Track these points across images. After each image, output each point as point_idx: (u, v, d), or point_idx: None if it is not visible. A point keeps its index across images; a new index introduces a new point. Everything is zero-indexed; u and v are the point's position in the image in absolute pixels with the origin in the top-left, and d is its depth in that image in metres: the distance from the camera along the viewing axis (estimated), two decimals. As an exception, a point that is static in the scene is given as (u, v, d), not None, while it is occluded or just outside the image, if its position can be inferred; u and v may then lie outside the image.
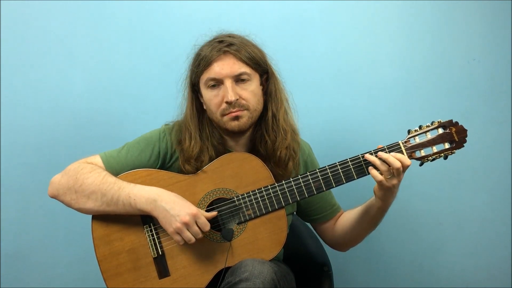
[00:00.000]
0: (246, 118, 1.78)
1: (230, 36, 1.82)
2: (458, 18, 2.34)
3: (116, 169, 1.79)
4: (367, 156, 1.72)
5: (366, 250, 2.38)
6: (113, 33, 2.36)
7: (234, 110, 1.76)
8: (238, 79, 1.77)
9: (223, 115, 1.78)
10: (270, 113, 1.83)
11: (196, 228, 1.68)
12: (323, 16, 2.36)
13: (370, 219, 1.82)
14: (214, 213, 1.74)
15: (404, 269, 2.43)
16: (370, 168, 1.71)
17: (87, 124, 2.36)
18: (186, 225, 1.67)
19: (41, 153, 2.35)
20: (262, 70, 1.83)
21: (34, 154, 2.35)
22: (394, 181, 1.69)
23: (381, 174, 1.69)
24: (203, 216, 1.69)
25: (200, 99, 1.85)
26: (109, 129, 2.36)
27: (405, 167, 1.69)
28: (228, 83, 1.76)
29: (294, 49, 2.34)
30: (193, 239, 1.68)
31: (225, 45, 1.77)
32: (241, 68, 1.77)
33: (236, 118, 1.77)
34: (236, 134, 1.83)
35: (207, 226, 1.69)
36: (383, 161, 1.69)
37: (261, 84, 1.84)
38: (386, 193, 1.72)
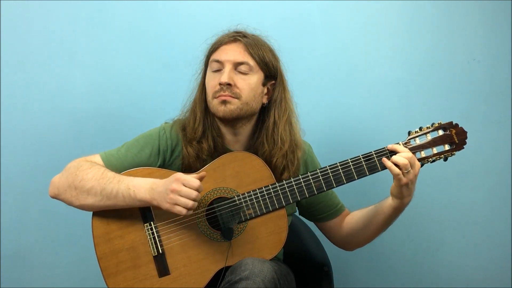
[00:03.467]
0: (234, 107, 1.78)
1: (247, 32, 1.85)
2: (458, 18, 2.34)
3: (116, 167, 1.79)
4: (384, 160, 1.71)
5: (366, 250, 2.36)
6: (113, 33, 2.36)
7: (224, 93, 1.77)
8: (238, 67, 1.78)
9: (214, 97, 1.79)
10: (271, 120, 1.84)
11: (185, 189, 1.63)
12: (323, 16, 2.36)
13: (385, 220, 1.81)
14: (203, 173, 1.69)
15: (404, 269, 2.43)
16: (384, 160, 1.71)
17: (87, 124, 2.36)
18: (175, 191, 1.64)
19: (41, 153, 2.35)
20: (269, 72, 1.83)
21: (34, 154, 2.35)
22: (411, 176, 1.69)
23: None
24: (188, 176, 1.66)
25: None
26: (109, 129, 2.36)
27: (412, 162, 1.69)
28: (228, 67, 1.77)
29: (294, 49, 2.34)
30: (190, 202, 1.63)
31: (239, 34, 1.81)
32: (244, 58, 1.78)
33: (224, 102, 1.77)
34: (228, 125, 1.83)
35: (193, 182, 1.64)
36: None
37: (264, 85, 1.84)
38: (403, 190, 1.71)
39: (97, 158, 1.81)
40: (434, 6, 2.32)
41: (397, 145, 1.74)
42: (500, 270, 2.38)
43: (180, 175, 1.66)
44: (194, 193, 1.64)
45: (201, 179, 1.67)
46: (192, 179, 1.65)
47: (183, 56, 2.23)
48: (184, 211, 1.65)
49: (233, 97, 1.77)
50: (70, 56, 2.36)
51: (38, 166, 2.34)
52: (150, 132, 1.87)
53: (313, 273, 2.03)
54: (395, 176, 1.69)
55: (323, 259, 2.04)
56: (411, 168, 1.69)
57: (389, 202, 1.77)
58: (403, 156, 1.69)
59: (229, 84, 1.76)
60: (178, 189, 1.64)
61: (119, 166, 1.79)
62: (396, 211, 1.78)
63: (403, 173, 1.68)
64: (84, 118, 2.36)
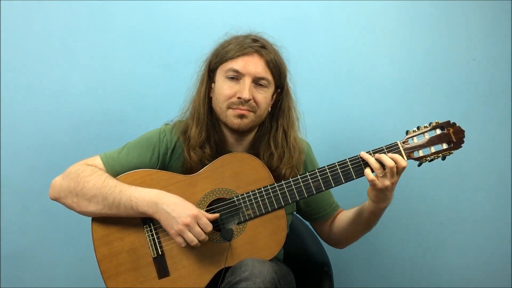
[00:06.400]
0: (249, 120, 1.79)
1: (265, 40, 1.83)
2: (458, 18, 2.34)
3: (116, 170, 1.79)
4: (362, 153, 1.73)
5: (366, 250, 2.39)
6: (113, 33, 2.36)
7: (243, 107, 1.77)
8: (258, 81, 1.78)
9: (229, 108, 1.78)
10: (281, 129, 1.85)
11: (198, 229, 1.67)
12: (323, 16, 2.36)
13: (363, 222, 1.83)
14: (216, 215, 1.73)
15: (404, 269, 2.43)
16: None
17: (87, 124, 2.36)
18: (188, 226, 1.67)
19: (41, 153, 2.35)
20: (280, 83, 1.84)
21: (34, 154, 2.35)
22: (386, 182, 1.69)
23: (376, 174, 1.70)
24: (205, 217, 1.69)
25: (212, 85, 1.85)
26: (109, 129, 2.36)
27: (400, 168, 1.69)
28: (248, 81, 1.76)
29: (294, 49, 2.31)
30: (195, 241, 1.67)
31: (258, 45, 1.79)
32: (266, 73, 1.78)
33: (241, 116, 1.77)
34: (234, 132, 1.83)
35: (209, 227, 1.69)
36: (378, 159, 1.71)
37: (272, 94, 1.84)
38: (378, 194, 1.72)
39: (98, 161, 1.81)
40: (434, 6, 2.32)
41: (383, 154, 1.71)
42: (500, 270, 2.38)
43: (199, 213, 1.68)
44: (203, 236, 1.68)
45: (215, 219, 1.72)
46: (208, 223, 1.69)
47: (183, 56, 2.24)
48: (183, 244, 1.69)
49: (250, 111, 1.78)
50: (70, 56, 2.35)
51: (38, 166, 2.34)
52: (150, 134, 1.87)
53: (313, 273, 2.03)
54: (369, 182, 1.70)
55: (323, 259, 2.05)
56: (390, 176, 1.68)
57: (367, 206, 1.78)
58: (382, 159, 1.69)
59: (249, 99, 1.76)
60: (192, 226, 1.67)
61: (119, 169, 1.79)
62: (374, 215, 1.79)
63: (378, 178, 1.69)
64: (84, 118, 2.36)
